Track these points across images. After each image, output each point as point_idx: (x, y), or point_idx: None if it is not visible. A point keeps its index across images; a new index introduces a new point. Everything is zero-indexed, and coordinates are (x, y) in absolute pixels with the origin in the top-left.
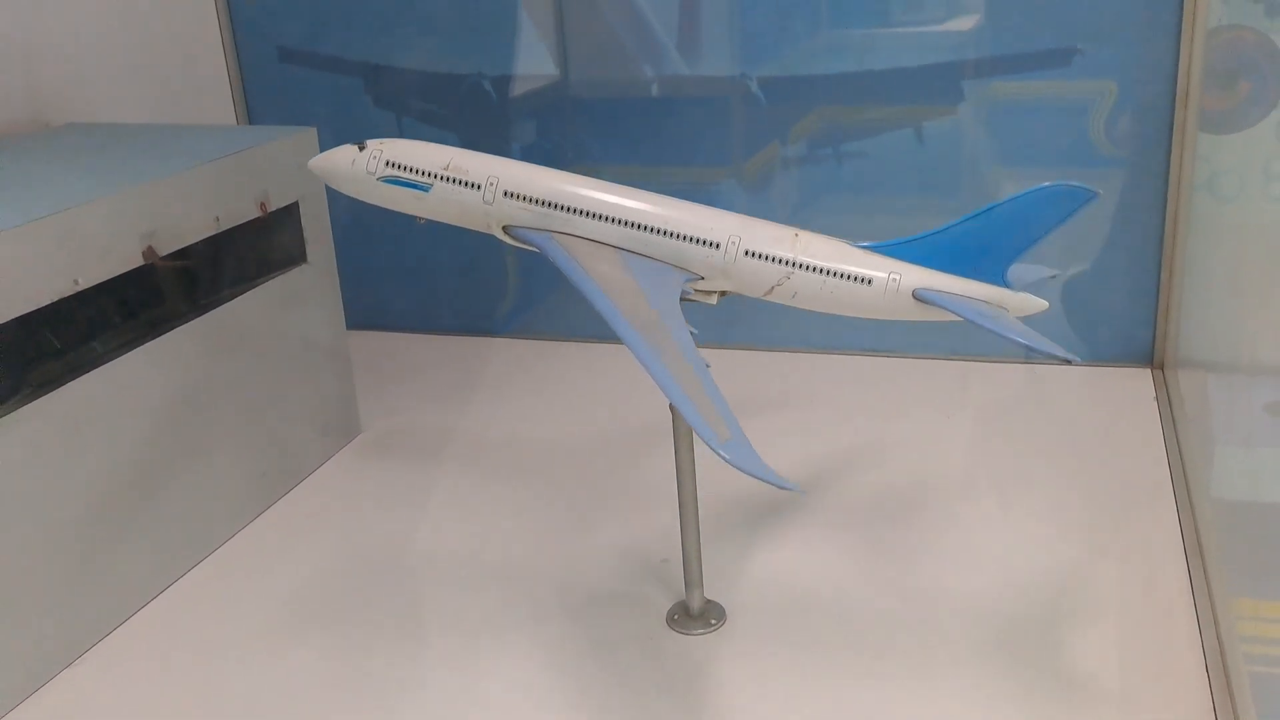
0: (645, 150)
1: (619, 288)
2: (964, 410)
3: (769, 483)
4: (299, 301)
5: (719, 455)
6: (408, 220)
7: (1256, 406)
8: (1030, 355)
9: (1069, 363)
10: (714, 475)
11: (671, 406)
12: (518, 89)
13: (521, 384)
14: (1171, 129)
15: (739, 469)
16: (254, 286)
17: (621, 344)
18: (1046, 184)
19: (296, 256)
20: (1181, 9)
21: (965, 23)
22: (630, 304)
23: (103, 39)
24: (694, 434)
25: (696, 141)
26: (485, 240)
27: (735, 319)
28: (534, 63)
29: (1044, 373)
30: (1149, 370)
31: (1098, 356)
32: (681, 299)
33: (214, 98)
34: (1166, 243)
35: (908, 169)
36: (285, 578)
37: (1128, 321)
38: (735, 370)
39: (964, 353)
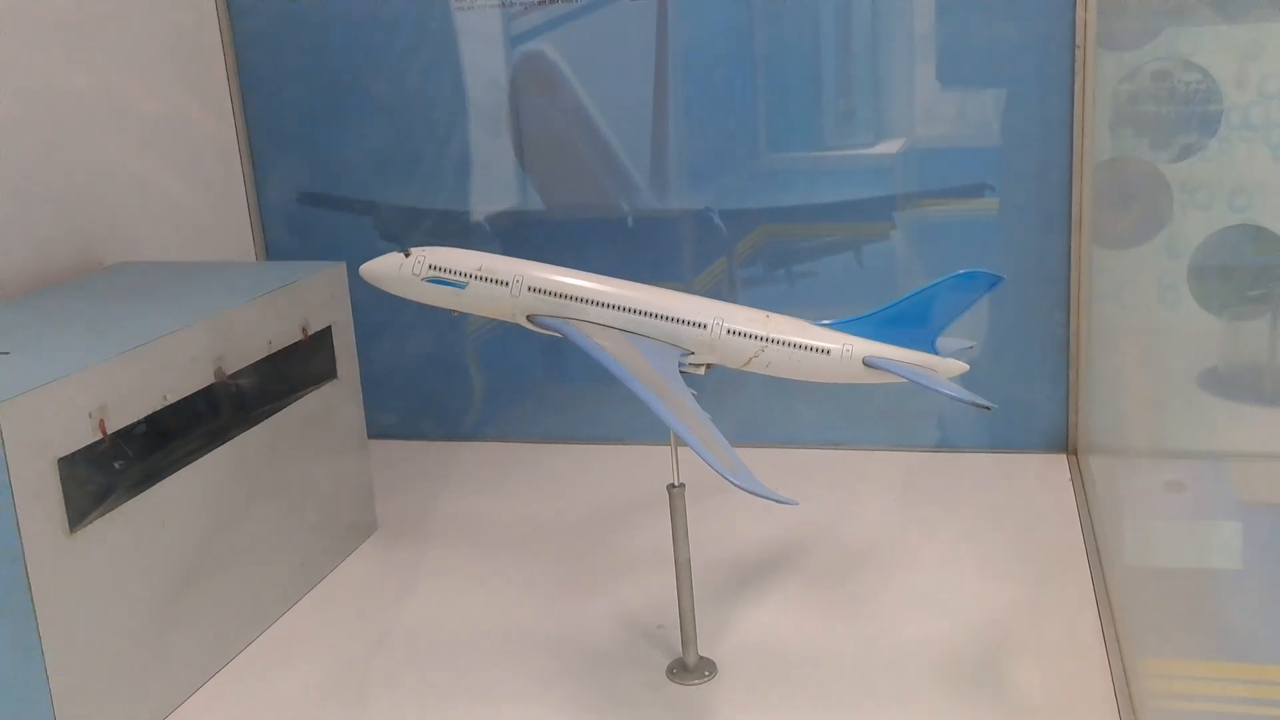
0: (611, 267)
1: (630, 360)
2: (908, 492)
3: (771, 499)
4: (330, 413)
5: (730, 481)
6: (395, 343)
7: (1157, 485)
8: (957, 404)
9: (988, 409)
10: (701, 545)
11: (670, 487)
12: (508, 221)
13: (512, 481)
14: (1069, 245)
15: (746, 490)
16: (295, 400)
17: (598, 442)
18: (963, 270)
19: (329, 373)
20: (1071, 147)
21: (892, 147)
22: (643, 372)
23: (139, 183)
24: (682, 494)
25: (658, 258)
26: (464, 357)
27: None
28: (521, 199)
29: (974, 460)
30: (1064, 456)
31: (1020, 445)
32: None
33: (237, 234)
34: (1072, 345)
35: (850, 282)
36: (324, 655)
37: (1044, 413)
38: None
39: (905, 445)
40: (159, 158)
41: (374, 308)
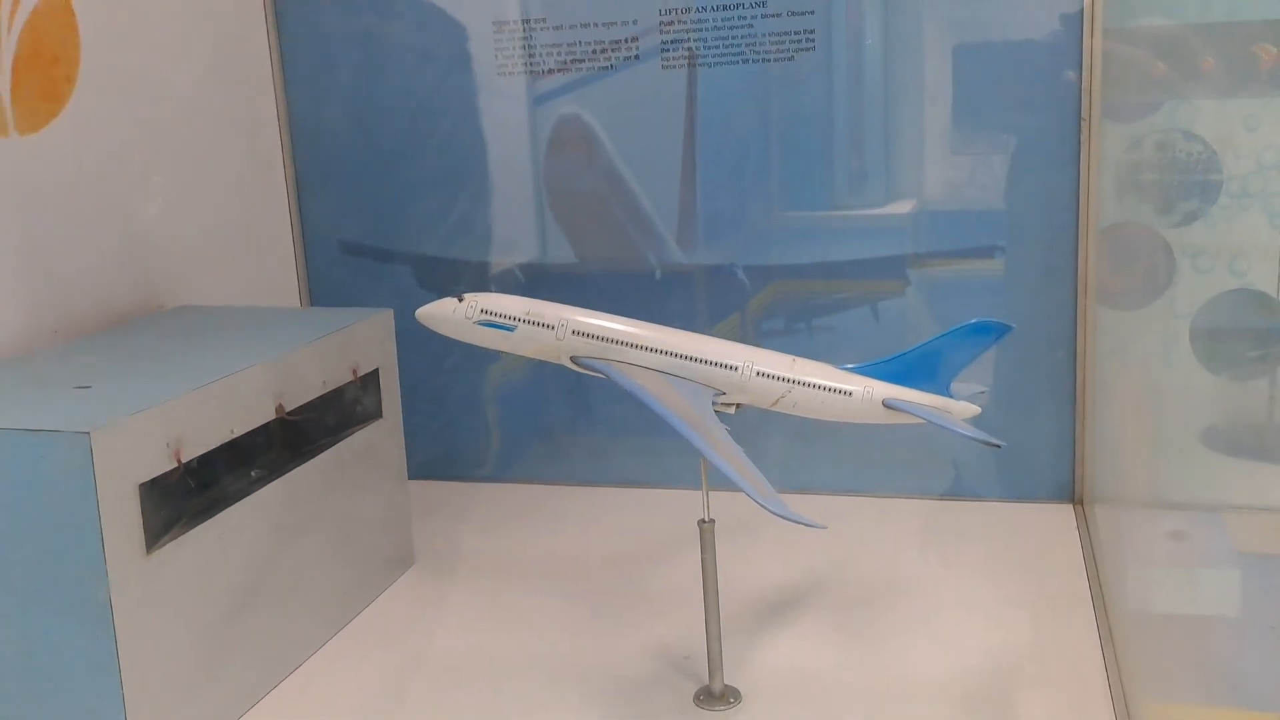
0: (639, 317)
1: (668, 398)
2: (921, 537)
3: (801, 523)
4: (374, 451)
5: (763, 507)
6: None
7: (1160, 534)
8: (970, 441)
9: (998, 446)
10: (726, 581)
11: (700, 522)
12: (540, 273)
13: (542, 520)
14: (1076, 305)
15: (777, 515)
16: (344, 438)
17: (626, 486)
18: (975, 320)
19: (375, 413)
20: (1078, 212)
21: (903, 208)
22: (681, 409)
23: (195, 230)
24: (712, 530)
25: (682, 310)
26: (493, 403)
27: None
28: (554, 252)
29: (985, 508)
30: (1071, 506)
31: (1028, 495)
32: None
33: (282, 280)
34: (1079, 400)
35: (867, 335)
36: (368, 679)
37: (1052, 465)
38: (725, 506)
39: (918, 493)
40: (213, 205)
41: (414, 355)
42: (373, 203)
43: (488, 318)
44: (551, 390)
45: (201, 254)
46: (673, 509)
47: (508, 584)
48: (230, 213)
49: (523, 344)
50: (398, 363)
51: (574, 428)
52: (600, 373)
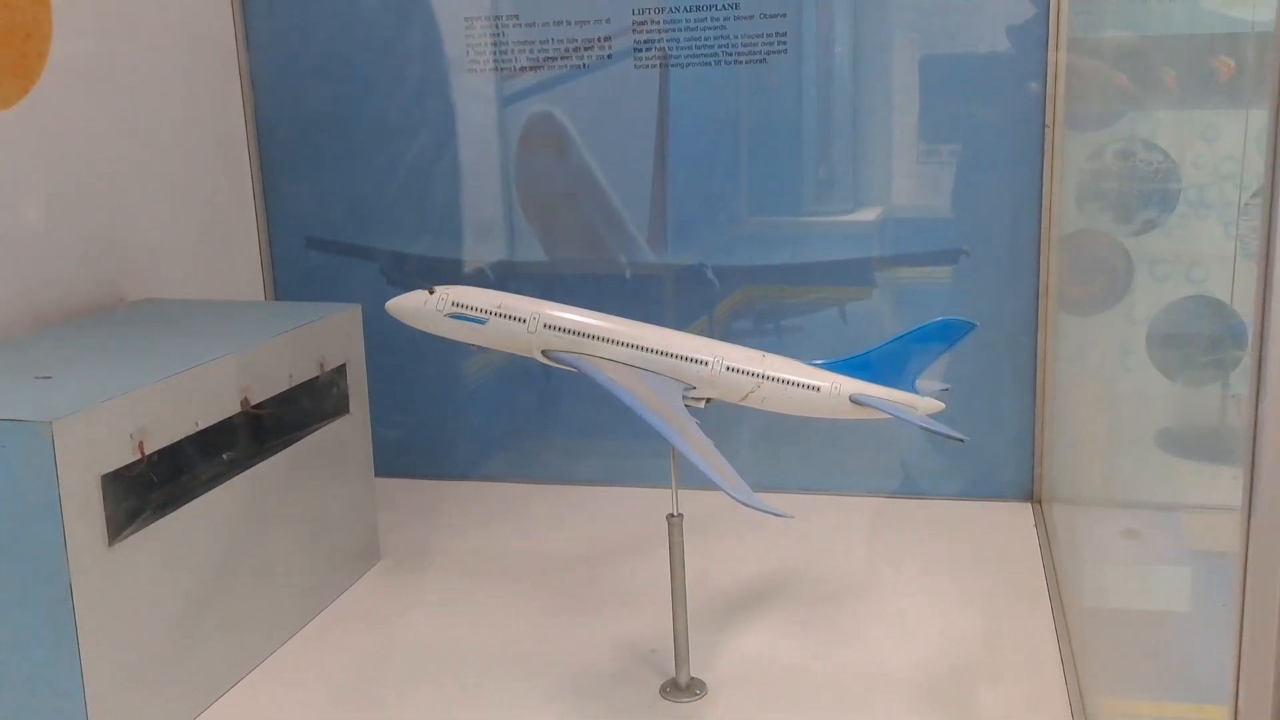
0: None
1: (639, 392)
2: (883, 534)
3: (769, 512)
4: (341, 446)
5: (733, 497)
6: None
7: (1115, 533)
8: (934, 438)
9: (961, 440)
10: (692, 577)
11: (669, 517)
12: (510, 271)
13: (510, 518)
14: (1037, 309)
15: (746, 505)
16: (311, 432)
17: (594, 484)
18: (940, 318)
19: (342, 408)
20: (1040, 219)
21: (870, 214)
22: (651, 402)
23: (157, 223)
24: (680, 524)
25: (652, 310)
26: (463, 400)
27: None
28: (524, 250)
29: (945, 506)
30: (1030, 504)
31: (988, 494)
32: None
33: (247, 274)
34: (1038, 402)
35: (836, 336)
36: (333, 672)
37: (1011, 464)
38: (694, 502)
39: (879, 491)
40: (175, 198)
41: (383, 351)
42: (341, 197)
43: (459, 310)
44: (521, 388)
45: (165, 247)
46: (642, 507)
47: (474, 580)
48: (195, 205)
49: (494, 337)
50: (366, 358)
51: (544, 426)
52: (572, 366)
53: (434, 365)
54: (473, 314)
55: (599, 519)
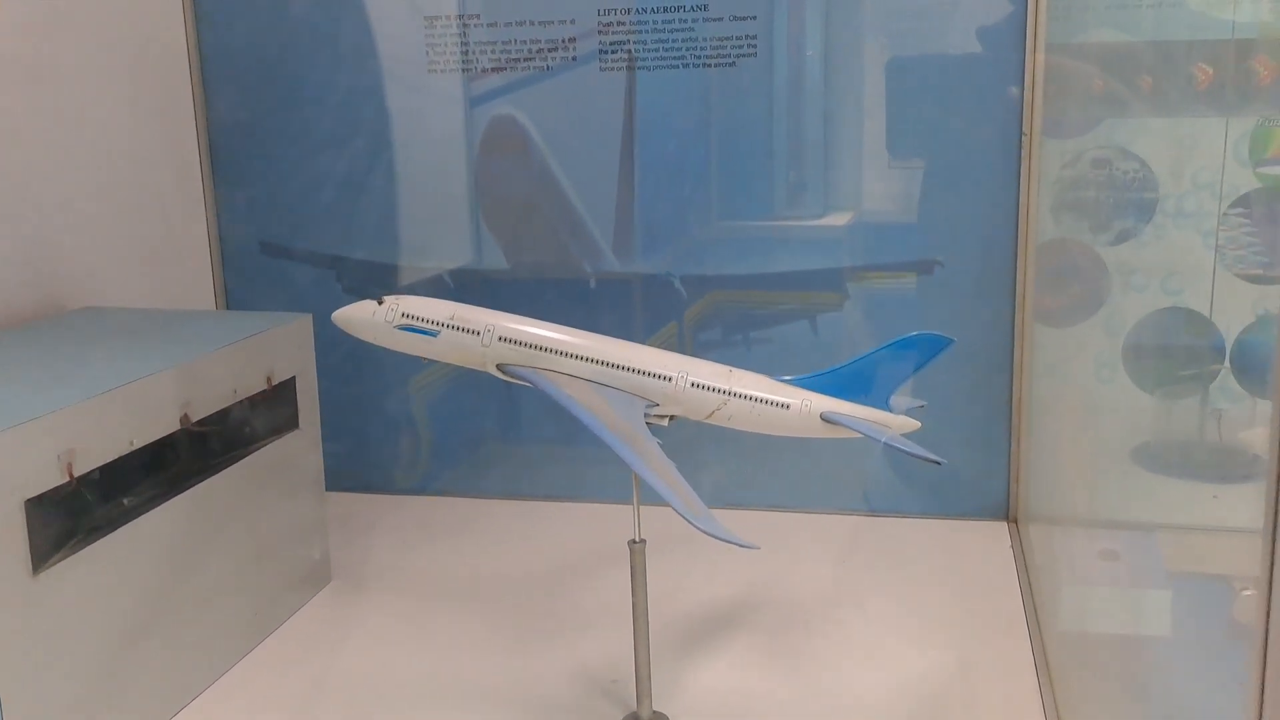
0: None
1: (598, 409)
2: (854, 554)
3: (734, 543)
4: (290, 463)
5: (694, 526)
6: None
7: (1092, 554)
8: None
9: (938, 464)
10: (655, 601)
11: (631, 542)
12: (470, 279)
13: (467, 536)
14: (1013, 321)
15: (709, 535)
16: (257, 449)
17: (554, 500)
18: (914, 333)
19: (291, 423)
20: (1016, 227)
21: (840, 219)
22: (610, 420)
23: (101, 228)
24: (643, 550)
25: (617, 319)
26: (417, 411)
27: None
28: (484, 258)
29: (918, 525)
30: (1005, 523)
31: (962, 512)
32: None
33: (197, 281)
34: (1014, 415)
35: (806, 348)
36: (276, 704)
37: (986, 482)
38: (658, 522)
39: (850, 509)
40: (121, 201)
41: (336, 361)
42: (295, 201)
43: (409, 322)
44: (480, 400)
45: (109, 252)
46: (604, 524)
47: (429, 603)
48: (141, 209)
49: (446, 350)
50: (318, 369)
51: (503, 439)
52: (528, 381)
53: (391, 375)
54: (424, 326)
55: (560, 536)
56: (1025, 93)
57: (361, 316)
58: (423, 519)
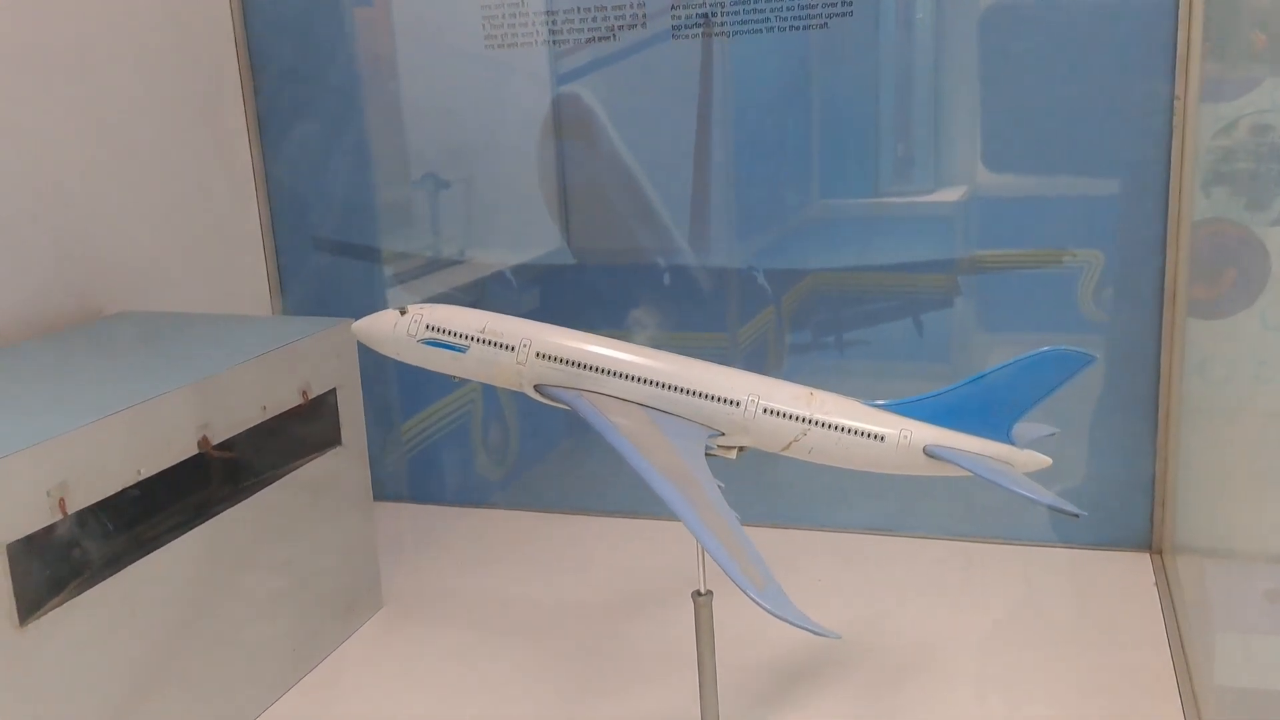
0: (644, 326)
1: (649, 443)
2: (964, 591)
3: (807, 629)
4: (333, 482)
5: (757, 604)
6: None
7: (1256, 594)
8: (1038, 506)
9: (1075, 516)
10: (727, 647)
11: (695, 594)
12: (533, 274)
13: (530, 554)
14: (1161, 315)
15: (777, 616)
16: (294, 469)
17: (624, 516)
18: (1046, 348)
19: (332, 440)
20: (1166, 206)
21: (952, 194)
22: (661, 459)
23: (152, 230)
24: (709, 603)
25: (696, 318)
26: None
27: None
28: (550, 251)
29: (1043, 555)
30: (1148, 555)
31: (1096, 541)
32: (705, 454)
33: (252, 284)
34: (1161, 426)
35: (908, 350)
36: None
37: (1125, 505)
38: None
39: (963, 534)
40: (167, 200)
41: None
42: (351, 195)
43: (434, 336)
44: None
45: (154, 253)
46: (676, 544)
47: (485, 633)
48: (189, 205)
49: (476, 368)
50: (367, 370)
51: (574, 448)
52: (568, 404)
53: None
54: (451, 340)
55: (629, 558)
56: (1178, 46)
57: (381, 329)
58: (483, 534)
